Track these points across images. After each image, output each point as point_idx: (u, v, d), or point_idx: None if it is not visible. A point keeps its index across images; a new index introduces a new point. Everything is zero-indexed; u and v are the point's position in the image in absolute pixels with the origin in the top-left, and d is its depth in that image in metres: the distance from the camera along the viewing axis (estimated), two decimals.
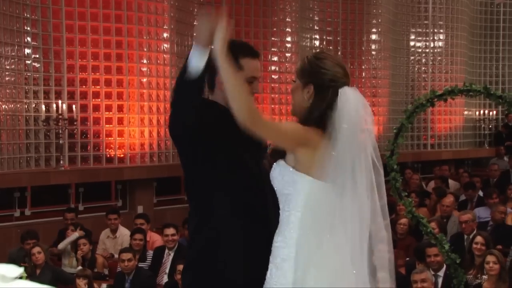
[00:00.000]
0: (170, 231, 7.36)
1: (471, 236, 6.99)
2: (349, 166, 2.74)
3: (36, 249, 7.06)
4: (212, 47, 2.77)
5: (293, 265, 2.71)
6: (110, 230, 8.45)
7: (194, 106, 2.88)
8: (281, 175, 2.77)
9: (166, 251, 7.41)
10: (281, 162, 2.79)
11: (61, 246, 7.94)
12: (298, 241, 2.73)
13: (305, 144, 2.73)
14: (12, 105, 8.81)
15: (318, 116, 2.76)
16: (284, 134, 2.75)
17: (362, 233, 2.76)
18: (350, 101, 2.74)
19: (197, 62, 2.84)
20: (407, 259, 7.25)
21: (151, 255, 7.58)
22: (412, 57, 14.26)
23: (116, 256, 7.81)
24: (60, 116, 9.04)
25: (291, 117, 2.99)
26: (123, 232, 8.38)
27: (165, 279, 7.20)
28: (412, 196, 7.79)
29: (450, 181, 11.64)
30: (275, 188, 2.83)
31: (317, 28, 12.65)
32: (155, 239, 8.15)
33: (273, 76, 11.68)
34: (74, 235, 7.88)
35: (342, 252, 2.73)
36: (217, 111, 2.95)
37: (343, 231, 2.75)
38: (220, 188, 2.94)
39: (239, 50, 3.02)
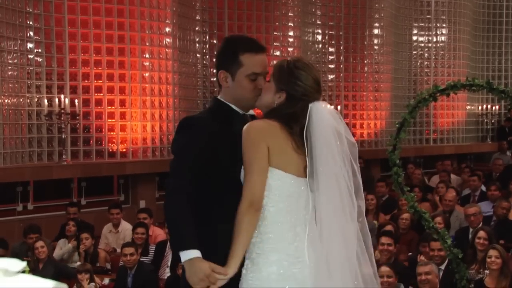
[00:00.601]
0: None
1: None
2: (325, 173, 2.78)
3: (39, 244, 7.08)
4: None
5: (267, 259, 2.73)
6: (112, 224, 8.47)
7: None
8: None
9: (168, 245, 7.41)
10: None
11: (56, 255, 7.93)
12: (273, 236, 2.75)
13: (267, 151, 2.75)
14: (15, 100, 8.81)
15: (281, 115, 2.80)
16: (259, 174, 2.75)
17: (337, 229, 2.78)
18: (322, 115, 2.80)
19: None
20: (410, 254, 7.24)
21: (154, 249, 7.60)
22: (414, 52, 14.23)
23: (118, 250, 7.83)
24: (63, 111, 9.04)
25: None
26: (125, 227, 8.40)
27: (167, 272, 7.21)
28: (415, 191, 7.77)
29: (453, 176, 11.63)
30: None
31: (320, 22, 12.62)
32: (158, 233, 8.17)
33: None
34: (68, 246, 7.89)
35: (317, 246, 2.75)
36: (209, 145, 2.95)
37: (317, 224, 2.78)
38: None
39: (238, 46, 2.99)
